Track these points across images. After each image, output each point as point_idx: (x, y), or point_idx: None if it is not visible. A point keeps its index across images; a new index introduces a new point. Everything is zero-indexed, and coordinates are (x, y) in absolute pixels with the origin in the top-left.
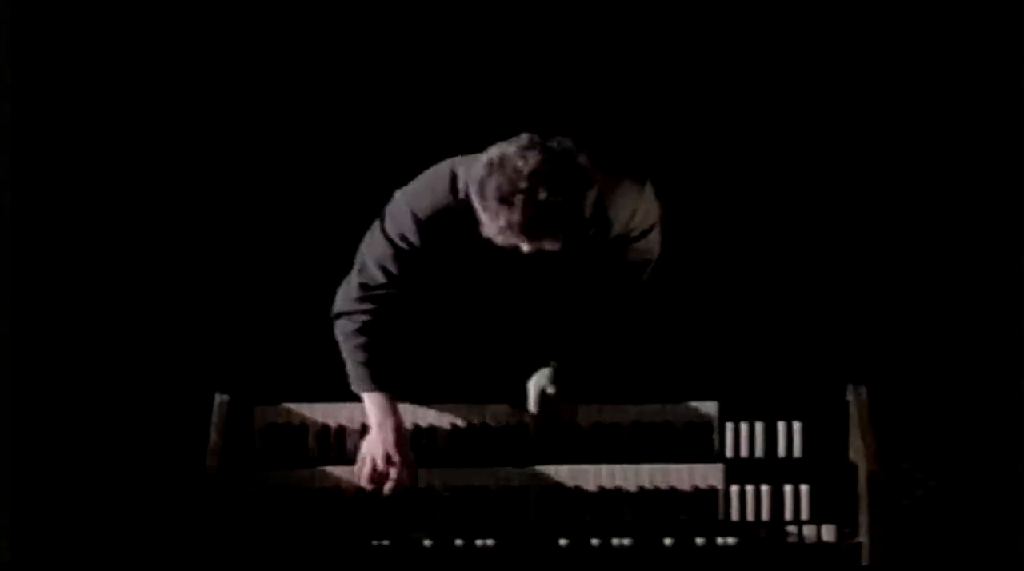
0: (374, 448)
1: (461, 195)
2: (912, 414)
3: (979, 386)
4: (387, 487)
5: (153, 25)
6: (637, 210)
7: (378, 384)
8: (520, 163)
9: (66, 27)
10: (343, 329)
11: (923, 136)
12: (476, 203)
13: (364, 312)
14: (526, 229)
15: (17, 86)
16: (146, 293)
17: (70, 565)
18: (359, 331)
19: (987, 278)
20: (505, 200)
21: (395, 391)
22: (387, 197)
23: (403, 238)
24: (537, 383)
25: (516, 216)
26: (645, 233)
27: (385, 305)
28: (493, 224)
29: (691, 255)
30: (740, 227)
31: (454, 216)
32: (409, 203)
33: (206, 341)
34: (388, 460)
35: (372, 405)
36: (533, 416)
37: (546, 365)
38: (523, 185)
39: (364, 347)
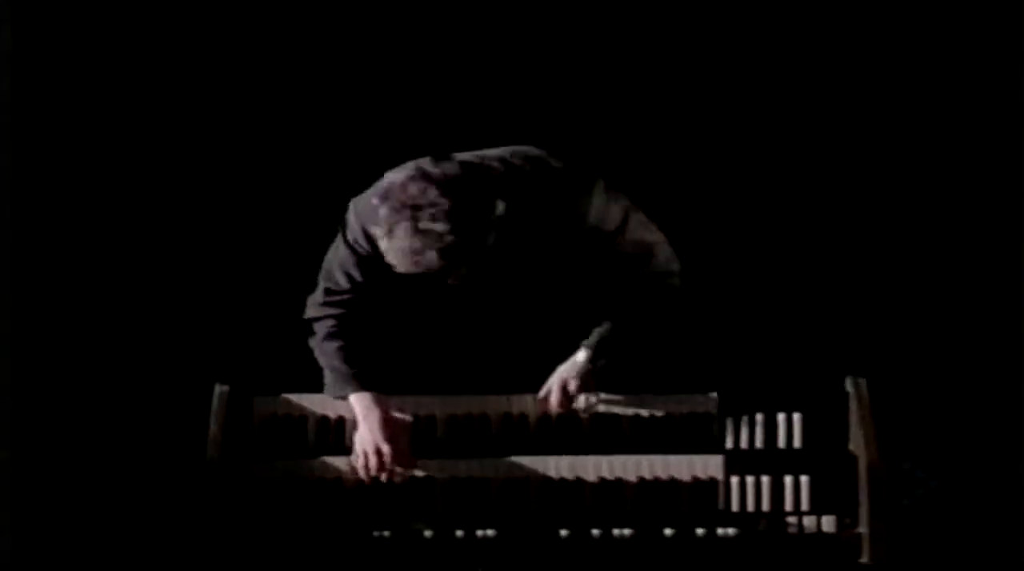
0: (364, 442)
1: None
2: (912, 414)
3: (979, 386)
4: (383, 477)
5: (153, 25)
6: (589, 209)
7: (355, 384)
8: (400, 193)
9: (66, 27)
10: (313, 336)
11: (923, 134)
12: (371, 231)
13: (330, 316)
14: (409, 257)
15: (17, 86)
16: (146, 284)
17: (72, 555)
18: (328, 336)
19: (987, 278)
20: (391, 230)
21: (374, 389)
22: None
23: (359, 245)
24: (558, 374)
25: (399, 244)
26: (620, 228)
27: (350, 309)
28: (385, 252)
29: (691, 247)
30: (740, 220)
31: None
32: (358, 211)
33: (206, 332)
34: (379, 452)
35: (355, 402)
36: (552, 407)
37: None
38: (405, 214)
39: (335, 352)
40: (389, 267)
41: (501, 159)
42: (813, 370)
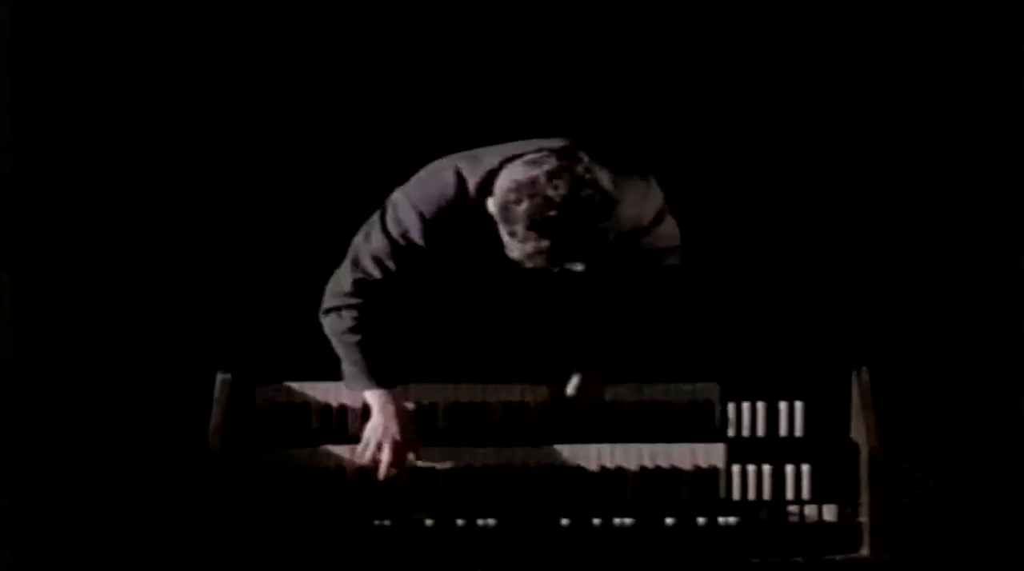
0: (376, 432)
1: (472, 195)
2: (912, 413)
3: (979, 386)
4: (387, 470)
5: (153, 25)
6: (645, 205)
7: (375, 382)
8: (551, 191)
9: (66, 28)
10: (333, 326)
11: (925, 128)
12: (501, 225)
13: (355, 307)
14: (554, 256)
15: (17, 85)
16: (148, 274)
17: (74, 544)
18: (351, 329)
19: (988, 278)
20: (535, 227)
21: (392, 385)
22: (385, 183)
23: (405, 236)
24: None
25: (545, 243)
26: (656, 222)
27: (377, 301)
28: (521, 248)
29: (694, 237)
30: (743, 210)
31: (463, 218)
32: (414, 202)
33: (208, 320)
34: (392, 445)
35: (371, 396)
36: (566, 396)
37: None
38: (552, 213)
39: (357, 345)
40: (426, 261)
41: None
42: (815, 359)
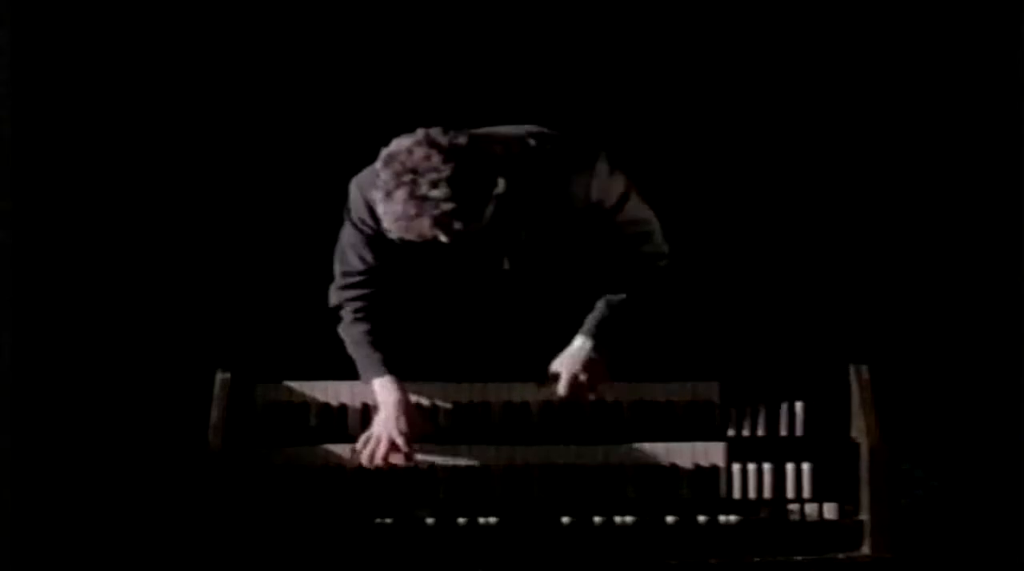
0: (385, 427)
1: None
2: (913, 412)
3: (979, 386)
4: (385, 460)
5: (153, 25)
6: (591, 184)
7: (383, 370)
8: (405, 157)
9: (66, 28)
10: (341, 323)
11: (923, 127)
12: (369, 196)
13: (352, 299)
14: (403, 221)
15: (17, 85)
16: (148, 272)
17: (74, 542)
18: (354, 321)
19: (988, 277)
20: (389, 194)
21: (402, 373)
22: None
23: (364, 223)
24: (566, 364)
25: (395, 207)
26: (619, 204)
27: (370, 290)
28: (382, 217)
29: (695, 236)
30: (742, 209)
31: None
32: (360, 189)
33: (208, 319)
34: (399, 438)
35: (380, 388)
36: (557, 397)
37: (558, 345)
38: (406, 178)
39: (363, 336)
40: (397, 243)
41: (509, 136)
42: (815, 358)
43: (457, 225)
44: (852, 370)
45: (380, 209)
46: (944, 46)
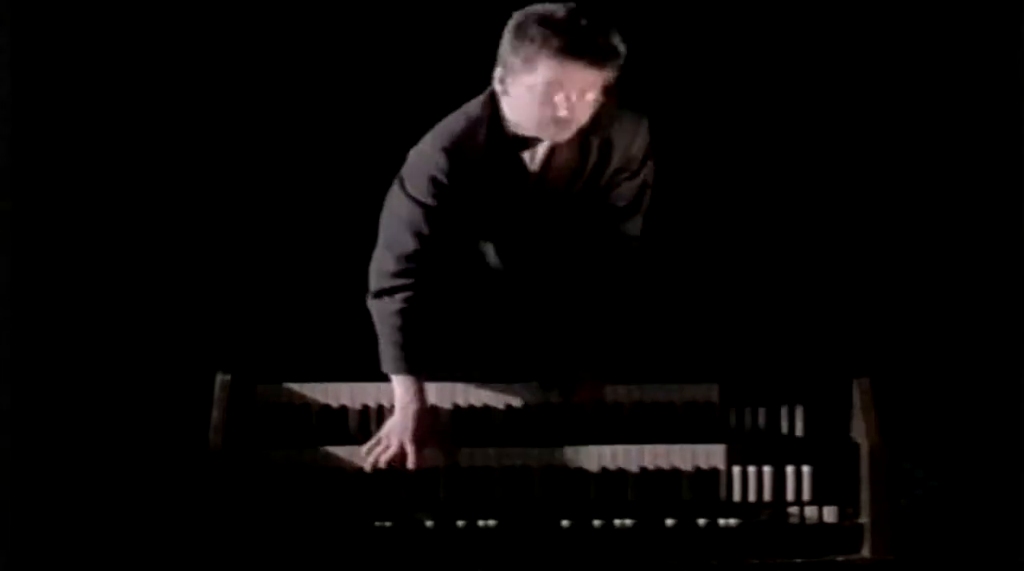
0: (396, 431)
1: (479, 114)
2: (913, 413)
3: (979, 386)
4: (385, 461)
5: (154, 25)
6: (635, 141)
7: (410, 367)
8: (552, 8)
9: (66, 28)
10: (383, 308)
11: (928, 133)
12: (509, 60)
13: (405, 287)
14: (570, 50)
15: (17, 85)
16: (148, 272)
17: (74, 543)
18: (401, 310)
19: (988, 277)
20: (545, 25)
21: (420, 372)
22: (386, 185)
23: (431, 185)
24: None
25: (557, 41)
26: (637, 171)
27: (421, 276)
28: (532, 61)
29: (696, 239)
30: (745, 213)
31: (476, 146)
32: (433, 145)
33: (208, 320)
34: (410, 444)
35: (400, 387)
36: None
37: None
38: (561, 13)
39: (402, 328)
40: (453, 212)
41: None
42: (816, 360)
43: (614, 60)
44: (855, 384)
45: (526, 55)
46: (944, 47)
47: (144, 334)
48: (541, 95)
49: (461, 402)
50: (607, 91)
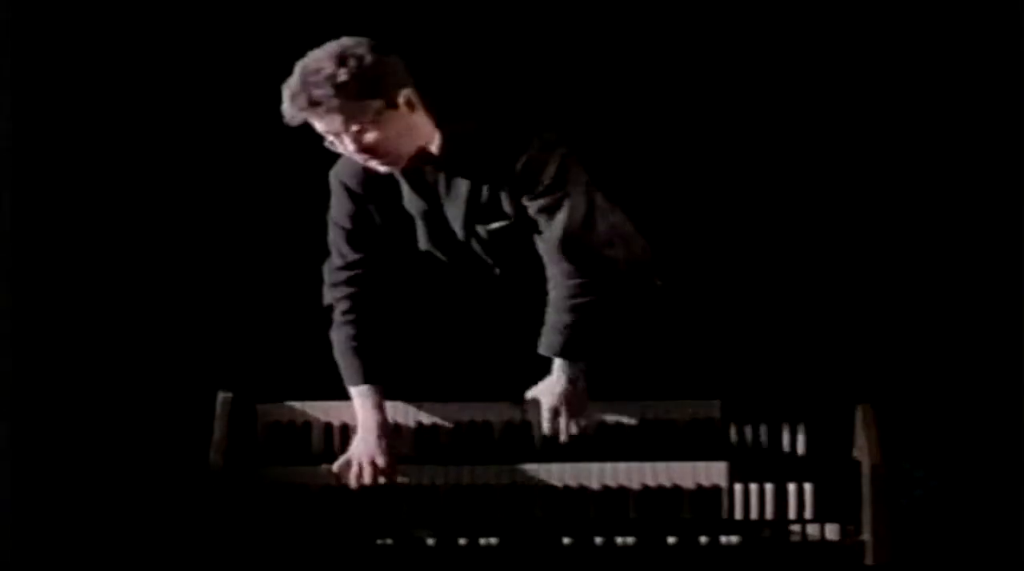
0: (358, 450)
1: None
2: (912, 413)
3: (979, 386)
4: (360, 483)
5: (155, 27)
6: (522, 155)
7: (364, 376)
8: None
9: (66, 28)
10: (333, 322)
11: (929, 143)
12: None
13: (339, 299)
14: (291, 102)
15: (17, 84)
16: (149, 290)
17: (73, 561)
18: (342, 324)
19: (988, 278)
20: (286, 82)
21: (384, 383)
22: None
23: (340, 209)
24: (544, 399)
25: (287, 93)
26: (547, 192)
27: (353, 288)
28: (284, 108)
29: (698, 255)
30: (745, 226)
31: (362, 174)
32: (337, 174)
33: (209, 339)
34: (373, 463)
35: (358, 401)
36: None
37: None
38: (299, 65)
39: (348, 340)
40: (369, 231)
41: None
42: (817, 377)
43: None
44: (859, 410)
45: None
46: (945, 48)
47: (146, 352)
48: (328, 140)
49: (462, 419)
50: (394, 110)
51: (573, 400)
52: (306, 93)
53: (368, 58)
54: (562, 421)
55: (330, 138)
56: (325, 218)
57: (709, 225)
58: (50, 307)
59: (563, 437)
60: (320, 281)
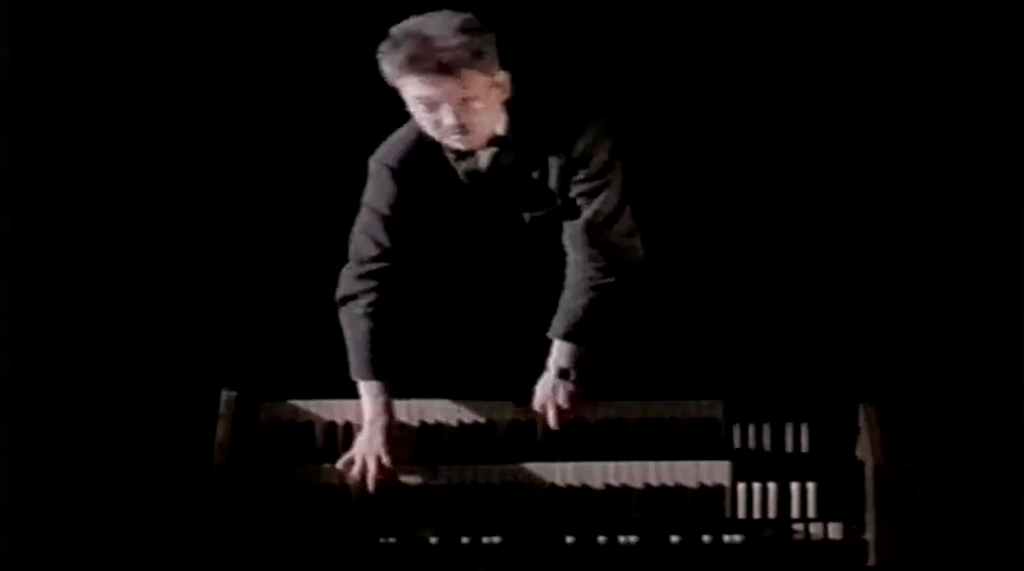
0: (362, 447)
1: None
2: (913, 413)
3: (979, 386)
4: (373, 484)
5: (156, 28)
6: (581, 138)
7: (376, 372)
8: (404, 24)
9: (66, 28)
10: (347, 313)
11: (932, 147)
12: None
13: (365, 291)
14: (410, 64)
15: (17, 85)
16: (152, 288)
17: (74, 561)
18: (364, 315)
19: (988, 279)
20: (391, 42)
21: (395, 380)
22: None
23: (381, 194)
24: (536, 396)
25: (399, 57)
26: (597, 175)
27: (384, 279)
28: (394, 80)
29: (700, 253)
30: (750, 228)
31: (424, 152)
32: (380, 159)
33: (212, 337)
34: (376, 460)
35: (367, 398)
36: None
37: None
38: (404, 27)
39: (367, 332)
40: (409, 221)
41: None
42: (820, 376)
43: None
44: (862, 410)
45: (387, 64)
46: (945, 50)
47: (148, 351)
48: (419, 109)
49: (465, 419)
50: (496, 89)
51: (562, 392)
52: (436, 56)
53: (489, 33)
54: (550, 413)
55: (421, 107)
56: (327, 217)
57: (711, 225)
58: (50, 306)
59: (541, 429)
60: (322, 278)
